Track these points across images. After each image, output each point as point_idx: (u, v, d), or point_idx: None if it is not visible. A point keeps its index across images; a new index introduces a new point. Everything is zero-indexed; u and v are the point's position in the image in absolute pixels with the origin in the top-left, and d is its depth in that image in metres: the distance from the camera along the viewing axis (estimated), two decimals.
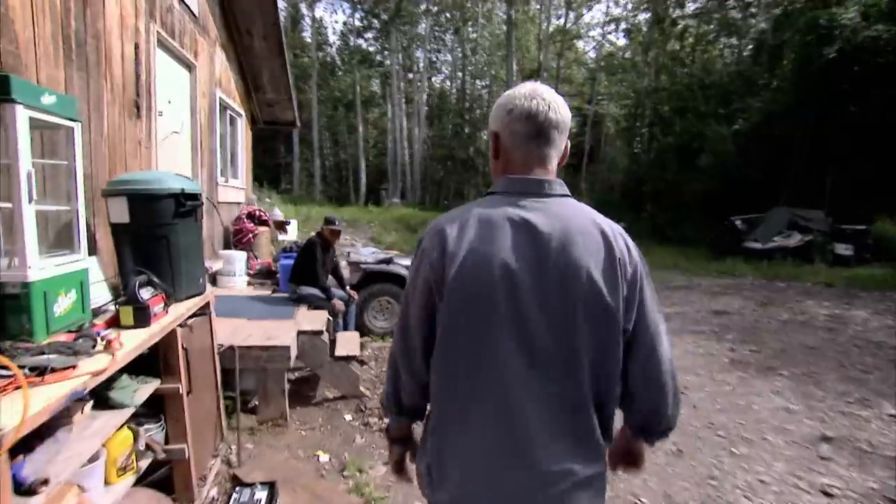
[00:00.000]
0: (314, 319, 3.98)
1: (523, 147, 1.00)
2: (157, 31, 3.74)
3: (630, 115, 22.69)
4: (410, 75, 28.67)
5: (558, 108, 0.99)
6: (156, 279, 2.36)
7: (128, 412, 2.11)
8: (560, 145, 1.03)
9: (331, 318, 4.29)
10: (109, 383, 2.13)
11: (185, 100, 4.58)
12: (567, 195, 1.00)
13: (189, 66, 4.59)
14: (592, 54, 28.55)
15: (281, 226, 7.62)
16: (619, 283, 0.93)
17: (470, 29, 29.26)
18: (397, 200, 22.64)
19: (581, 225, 0.95)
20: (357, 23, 28.46)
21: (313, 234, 4.84)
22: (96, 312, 2.26)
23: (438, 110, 30.01)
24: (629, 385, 1.00)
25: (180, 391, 2.43)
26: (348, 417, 3.63)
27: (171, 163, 4.19)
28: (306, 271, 4.41)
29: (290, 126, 8.80)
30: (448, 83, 31.26)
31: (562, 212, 0.96)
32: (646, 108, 20.55)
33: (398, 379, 1.11)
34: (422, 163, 26.90)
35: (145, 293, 2.29)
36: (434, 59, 29.98)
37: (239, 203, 6.64)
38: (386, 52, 27.32)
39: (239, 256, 5.20)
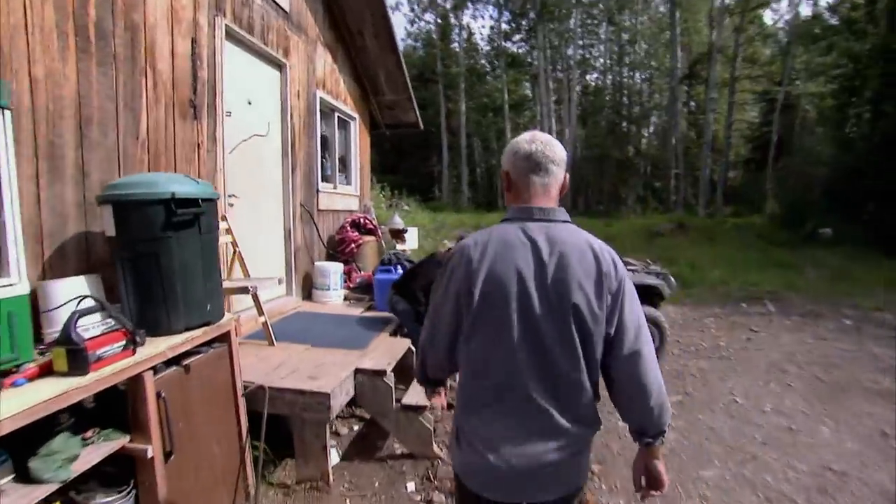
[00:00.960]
0: (387, 352, 3.26)
1: (527, 180, 1.25)
2: (227, 26, 3.44)
3: (841, 91, 17.60)
4: (560, 74, 27.12)
5: (553, 147, 1.25)
6: (113, 311, 1.84)
7: (47, 489, 1.57)
8: (559, 176, 1.27)
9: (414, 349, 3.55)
10: (36, 445, 1.62)
11: (273, 101, 4.32)
12: (567, 221, 1.25)
13: (278, 65, 4.32)
14: (783, 23, 23.28)
15: (398, 234, 7.22)
16: (603, 293, 1.17)
17: (626, 16, 26.53)
18: None
19: (575, 244, 1.20)
20: (504, 26, 27.99)
21: (446, 246, 4.21)
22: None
23: (593, 108, 27.79)
24: (615, 382, 1.24)
25: (148, 454, 1.87)
26: (411, 487, 2.80)
27: (250, 168, 3.92)
28: (407, 287, 3.76)
29: (412, 128, 8.45)
30: (602, 79, 28.78)
31: (559, 234, 1.21)
32: (868, 79, 15.64)
33: (426, 362, 1.43)
34: (573, 165, 25.15)
35: (94, 329, 1.77)
36: (587, 54, 27.89)
37: (352, 211, 6.39)
38: (535, 53, 26.28)
39: (333, 269, 4.81)
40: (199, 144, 3.19)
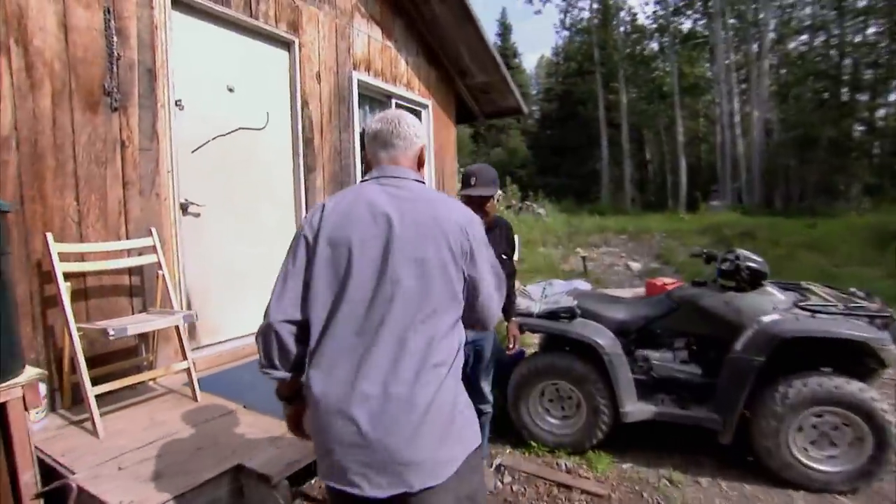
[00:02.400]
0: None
1: (377, 156, 1.31)
2: None
3: None
4: (745, 46, 22.07)
5: (399, 126, 1.30)
6: None
7: None
8: (405, 149, 1.31)
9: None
10: None
11: (277, 86, 3.56)
12: (418, 180, 1.29)
13: (283, 42, 3.55)
14: None
15: None
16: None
17: None
18: (717, 203, 17.43)
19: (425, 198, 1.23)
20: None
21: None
22: None
23: (794, 79, 21.87)
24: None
25: None
26: None
27: (232, 170, 3.20)
28: None
29: (515, 114, 7.10)
30: (809, 41, 22.41)
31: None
32: None
33: None
34: (763, 154, 20.07)
35: None
36: (784, 14, 22.08)
37: None
38: (714, 24, 21.84)
39: None
40: (122, 142, 2.54)
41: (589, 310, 2.96)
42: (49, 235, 2.16)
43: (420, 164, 1.34)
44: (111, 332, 1.98)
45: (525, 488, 2.59)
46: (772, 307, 2.56)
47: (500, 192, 2.27)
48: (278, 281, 1.19)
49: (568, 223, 11.95)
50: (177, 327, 2.41)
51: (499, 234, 2.37)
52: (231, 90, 3.19)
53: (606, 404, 2.75)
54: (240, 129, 3.23)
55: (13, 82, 2.16)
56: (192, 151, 2.95)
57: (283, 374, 1.20)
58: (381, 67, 4.66)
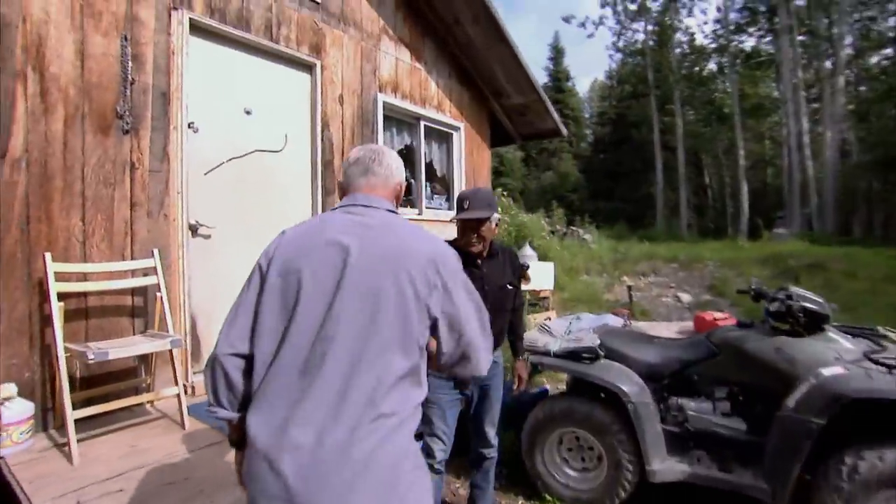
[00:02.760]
0: None
1: (355, 182, 1.24)
2: (194, 20, 2.81)
3: None
4: (816, 63, 20.66)
5: (381, 157, 1.27)
6: None
7: None
8: (384, 179, 1.26)
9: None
10: None
11: (297, 108, 3.55)
12: (390, 210, 1.22)
13: (305, 66, 3.56)
14: None
15: None
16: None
17: None
18: (783, 231, 16.06)
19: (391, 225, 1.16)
20: (733, 15, 22.99)
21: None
22: None
23: (875, 96, 20.10)
24: None
25: None
26: None
27: (246, 192, 3.18)
28: None
29: (552, 136, 6.86)
30: (890, 56, 20.58)
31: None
32: None
33: None
34: (837, 176, 18.44)
35: None
36: (864, 27, 20.51)
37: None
38: (780, 40, 20.64)
39: None
40: (132, 164, 2.56)
41: (615, 350, 2.64)
42: (47, 255, 2.17)
43: (397, 199, 1.29)
44: (90, 357, 1.93)
45: None
46: (834, 357, 2.14)
47: (498, 215, 2.05)
48: (231, 310, 1.11)
49: (615, 250, 11.34)
50: (171, 351, 2.34)
51: (501, 262, 2.15)
52: (248, 112, 3.20)
53: (631, 459, 2.41)
54: (256, 151, 3.23)
55: (27, 107, 2.22)
56: (206, 173, 2.95)
57: (228, 413, 1.09)
58: (410, 89, 4.61)
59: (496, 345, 2.18)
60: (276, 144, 3.37)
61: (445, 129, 5.21)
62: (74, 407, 2.19)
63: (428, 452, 2.03)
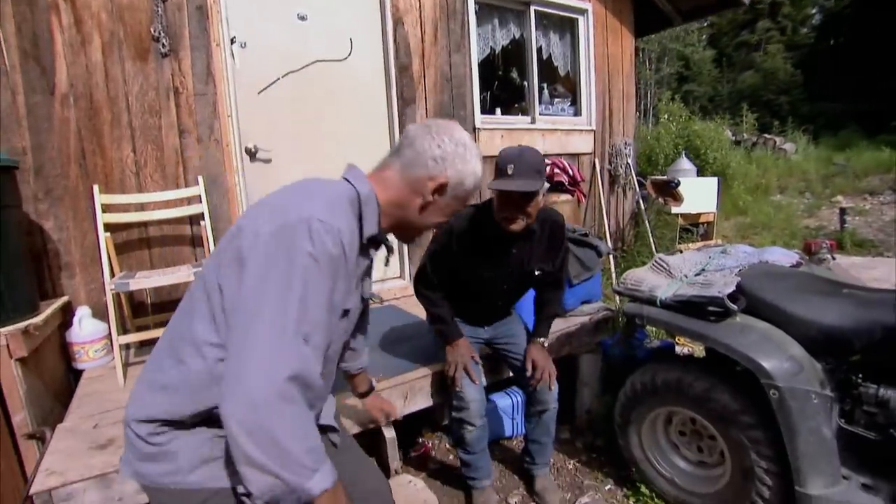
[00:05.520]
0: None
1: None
2: None
3: None
4: None
5: (411, 133, 1.01)
6: None
7: None
8: (403, 158, 1.00)
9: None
10: None
11: (362, 6, 3.05)
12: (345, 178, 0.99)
13: None
14: None
15: (663, 189, 4.52)
16: None
17: None
18: None
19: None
20: None
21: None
22: None
23: None
24: None
25: None
26: None
27: (308, 110, 2.89)
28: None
29: (729, 7, 5.07)
30: None
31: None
32: None
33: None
34: None
35: None
36: None
37: (578, 154, 4.33)
38: None
39: None
40: (175, 88, 2.44)
41: (766, 302, 1.73)
42: (95, 187, 2.21)
43: (420, 195, 0.99)
44: (112, 287, 1.91)
45: None
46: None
47: (546, 184, 1.63)
48: None
49: (829, 161, 8.48)
50: None
51: (538, 239, 1.77)
52: (302, 18, 2.83)
53: (769, 469, 1.58)
54: (316, 62, 2.88)
55: (65, 39, 2.19)
56: (259, 92, 2.73)
57: None
58: None
59: (503, 317, 1.98)
60: (339, 52, 2.97)
61: (566, 14, 4.15)
62: (140, 329, 2.31)
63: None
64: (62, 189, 2.24)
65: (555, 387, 1.85)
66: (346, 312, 0.95)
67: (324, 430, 1.10)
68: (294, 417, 0.71)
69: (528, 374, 1.82)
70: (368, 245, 1.00)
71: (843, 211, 5.60)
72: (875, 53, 19.48)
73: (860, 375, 1.58)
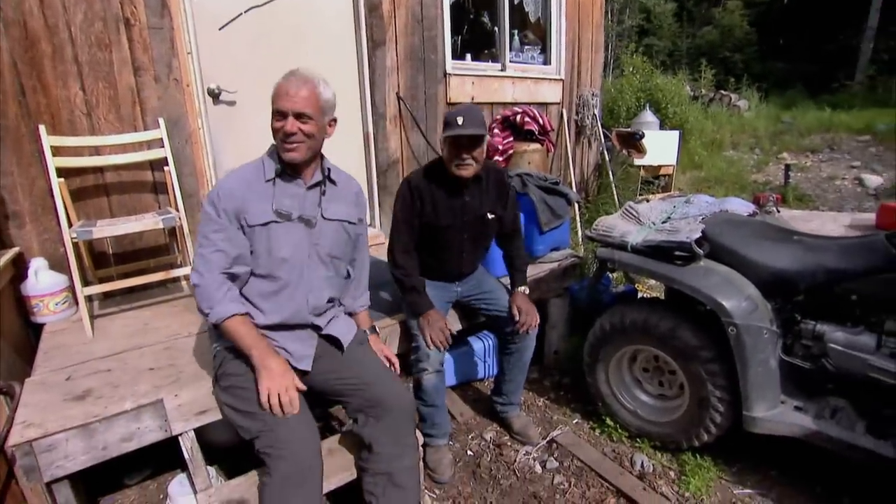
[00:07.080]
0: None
1: None
2: None
3: None
4: None
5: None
6: None
7: None
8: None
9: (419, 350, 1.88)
10: None
11: None
12: None
13: None
14: None
15: (628, 141, 4.63)
16: None
17: None
18: None
19: None
20: None
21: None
22: None
23: None
24: None
25: None
26: None
27: (274, 48, 2.72)
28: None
29: None
30: None
31: None
32: None
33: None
34: None
35: None
36: None
37: (546, 104, 4.32)
38: None
39: None
40: (125, 20, 2.23)
41: (727, 248, 1.86)
42: (42, 128, 2.03)
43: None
44: (73, 235, 1.81)
45: (570, 484, 1.87)
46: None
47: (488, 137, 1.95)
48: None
49: (777, 119, 8.90)
50: (179, 228, 2.19)
51: (485, 187, 1.94)
52: None
53: (723, 398, 1.76)
54: None
55: None
56: (220, 28, 2.54)
57: None
58: None
59: (470, 271, 2.08)
60: None
61: None
62: (103, 281, 2.22)
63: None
64: (0, 129, 2.04)
65: (533, 330, 1.95)
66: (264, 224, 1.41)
67: (329, 339, 1.52)
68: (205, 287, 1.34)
69: (517, 319, 1.91)
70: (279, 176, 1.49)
71: (787, 167, 5.95)
72: (821, 15, 20.09)
73: (801, 313, 1.75)
